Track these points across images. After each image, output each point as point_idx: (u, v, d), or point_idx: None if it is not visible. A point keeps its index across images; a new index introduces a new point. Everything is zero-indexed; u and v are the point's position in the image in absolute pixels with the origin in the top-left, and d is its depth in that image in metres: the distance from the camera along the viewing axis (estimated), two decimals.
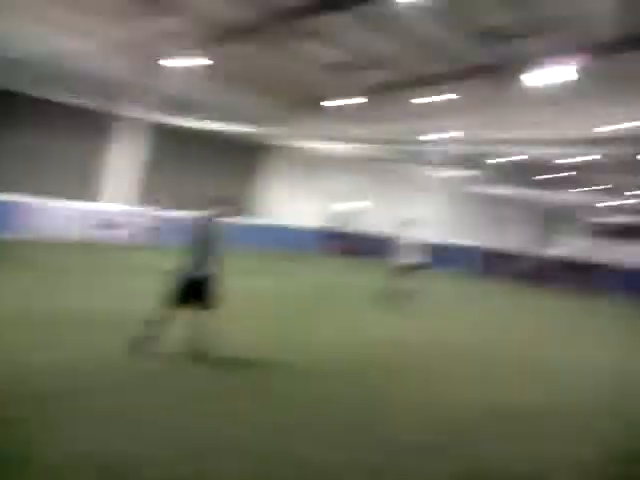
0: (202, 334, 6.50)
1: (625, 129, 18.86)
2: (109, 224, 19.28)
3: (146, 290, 10.38)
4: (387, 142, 25.14)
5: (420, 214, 13.98)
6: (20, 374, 5.40)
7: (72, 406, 4.78)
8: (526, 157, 26.30)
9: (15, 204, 16.99)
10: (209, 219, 6.69)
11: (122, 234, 19.46)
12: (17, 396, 4.85)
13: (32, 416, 4.49)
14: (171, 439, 4.36)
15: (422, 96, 20.31)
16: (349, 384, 6.29)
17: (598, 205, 39.47)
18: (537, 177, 30.45)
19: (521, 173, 30.13)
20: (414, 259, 12.26)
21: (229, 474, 3.99)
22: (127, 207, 20.05)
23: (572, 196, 36.13)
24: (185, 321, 6.53)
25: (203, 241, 6.58)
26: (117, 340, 6.72)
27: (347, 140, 24.05)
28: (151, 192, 21.56)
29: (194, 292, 6.53)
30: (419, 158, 28.09)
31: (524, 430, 5.38)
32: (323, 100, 21.93)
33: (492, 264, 23.40)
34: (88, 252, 16.35)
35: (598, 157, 20.75)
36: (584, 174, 26.74)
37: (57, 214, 17.90)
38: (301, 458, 4.27)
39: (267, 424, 4.84)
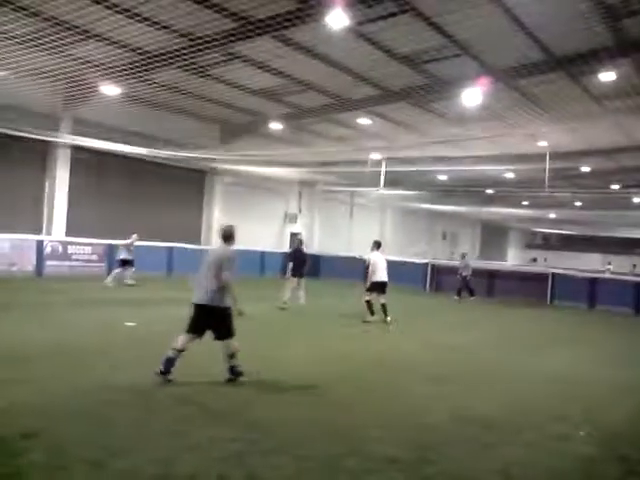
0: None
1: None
2: (59, 255, 19.36)
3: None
4: (323, 164, 25.95)
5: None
6: None
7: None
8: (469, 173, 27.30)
9: None
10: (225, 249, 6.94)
11: (74, 265, 19.73)
12: None
13: None
14: None
15: (351, 119, 21.32)
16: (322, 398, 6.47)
17: (546, 217, 40.76)
18: (482, 192, 31.52)
19: (466, 189, 31.18)
20: (382, 277, 13.09)
21: None
22: (78, 238, 20.17)
23: (517, 209, 37.18)
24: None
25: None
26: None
27: (284, 163, 24.65)
28: (93, 222, 21.65)
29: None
30: (357, 179, 28.95)
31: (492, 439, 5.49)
32: (256, 124, 22.62)
33: (441, 279, 24.23)
34: (39, 284, 16.42)
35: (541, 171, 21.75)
36: (527, 188, 27.87)
37: (3, 247, 17.99)
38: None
39: (240, 444, 4.84)
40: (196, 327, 6.74)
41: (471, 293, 21.14)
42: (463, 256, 22.64)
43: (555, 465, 4.94)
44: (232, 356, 6.81)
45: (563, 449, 5.33)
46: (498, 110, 18.02)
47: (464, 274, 21.38)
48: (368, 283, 13.15)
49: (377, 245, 13.53)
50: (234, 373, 6.83)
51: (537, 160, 20.94)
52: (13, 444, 4.50)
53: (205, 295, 6.70)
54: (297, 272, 15.07)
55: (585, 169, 26.59)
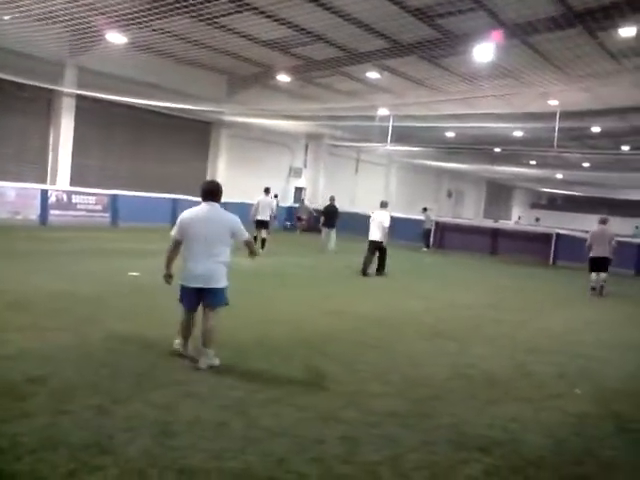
0: None
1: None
2: (63, 205, 19.31)
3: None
4: (331, 118, 25.56)
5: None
6: None
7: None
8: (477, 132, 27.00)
9: None
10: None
11: (78, 214, 19.75)
12: None
13: None
14: None
15: (360, 72, 20.96)
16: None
17: (553, 177, 40.39)
18: (490, 150, 31.18)
19: (473, 147, 30.86)
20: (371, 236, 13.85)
21: None
22: (82, 188, 20.13)
23: (524, 169, 36.83)
24: None
25: None
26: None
27: (290, 117, 24.34)
28: (97, 172, 21.59)
29: None
30: (364, 134, 28.59)
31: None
32: (263, 76, 22.28)
33: (445, 236, 24.60)
34: (43, 233, 16.46)
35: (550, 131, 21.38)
36: (535, 147, 27.52)
37: (8, 195, 17.91)
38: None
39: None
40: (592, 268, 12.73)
41: (427, 245, 23.15)
42: (424, 210, 24.27)
43: (552, 421, 5.01)
44: (604, 280, 12.82)
45: (561, 406, 5.40)
46: (510, 67, 17.71)
47: (427, 227, 23.43)
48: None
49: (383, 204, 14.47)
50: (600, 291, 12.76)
51: (547, 119, 20.63)
52: (19, 388, 4.58)
53: (603, 251, 12.68)
54: (329, 224, 18.33)
55: (596, 129, 26.22)
